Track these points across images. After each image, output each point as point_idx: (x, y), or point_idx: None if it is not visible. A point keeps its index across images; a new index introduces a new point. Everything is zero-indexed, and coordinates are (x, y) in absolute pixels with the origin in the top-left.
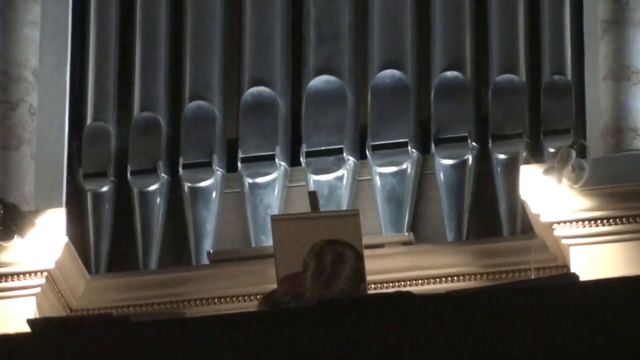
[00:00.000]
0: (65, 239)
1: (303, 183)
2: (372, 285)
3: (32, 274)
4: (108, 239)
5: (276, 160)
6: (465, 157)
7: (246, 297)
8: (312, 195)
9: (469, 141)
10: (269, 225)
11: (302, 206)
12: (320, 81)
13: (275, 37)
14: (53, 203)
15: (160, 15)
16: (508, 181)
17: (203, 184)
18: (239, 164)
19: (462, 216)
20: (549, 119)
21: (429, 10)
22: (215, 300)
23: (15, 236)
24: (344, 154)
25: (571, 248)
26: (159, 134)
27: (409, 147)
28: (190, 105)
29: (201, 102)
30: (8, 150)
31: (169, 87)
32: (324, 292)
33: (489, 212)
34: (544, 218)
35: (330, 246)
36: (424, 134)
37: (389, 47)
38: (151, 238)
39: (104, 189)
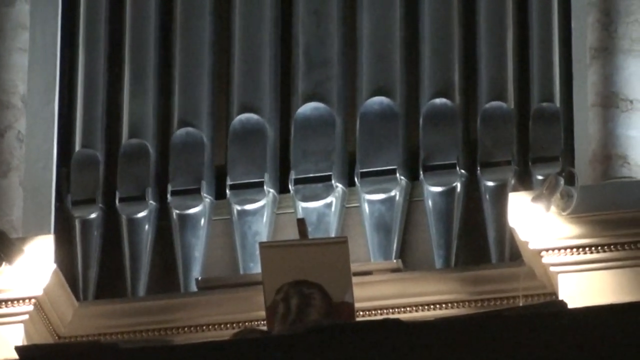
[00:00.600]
0: (54, 266)
1: (292, 210)
2: (361, 313)
3: (20, 301)
4: (96, 265)
5: (265, 187)
6: (454, 184)
7: (234, 325)
8: (301, 223)
9: (458, 168)
10: (258, 252)
11: (291, 233)
12: (308, 108)
13: (264, 63)
14: (41, 230)
15: (149, 41)
16: (496, 208)
17: (191, 211)
18: (228, 191)
19: (451, 243)
20: (538, 147)
21: (417, 37)
22: (204, 327)
23: (3, 263)
24: (333, 181)
25: (559, 275)
26: (147, 161)
27: (398, 174)
28: (179, 132)
29: (190, 129)
30: None
31: (157, 114)
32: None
33: (478, 239)
34: (533, 245)
35: (296, 288)
36: (413, 161)
37: (377, 74)
38: (139, 265)
39: (93, 215)
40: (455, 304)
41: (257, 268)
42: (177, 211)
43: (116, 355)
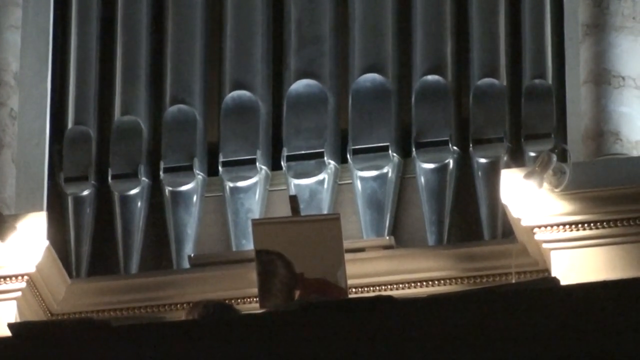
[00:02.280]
0: (46, 243)
1: (284, 187)
2: (353, 289)
3: (13, 278)
4: (89, 243)
5: (257, 164)
6: (446, 161)
7: (227, 301)
8: (293, 199)
9: (450, 145)
10: (250, 229)
11: (283, 210)
12: (301, 85)
13: (256, 40)
14: (34, 207)
15: (141, 19)
16: (489, 185)
17: (184, 187)
18: (220, 168)
19: (443, 220)
20: (530, 123)
21: (410, 14)
22: None
23: None
24: (325, 158)
25: (552, 252)
26: (139, 138)
27: (390, 151)
28: (171, 109)
29: (182, 106)
30: None
31: (149, 91)
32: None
33: (470, 216)
34: (525, 222)
35: (259, 257)
36: (405, 138)
37: (370, 51)
38: (132, 242)
39: (85, 193)
40: (448, 281)
41: (249, 245)
42: (170, 188)
43: (108, 332)
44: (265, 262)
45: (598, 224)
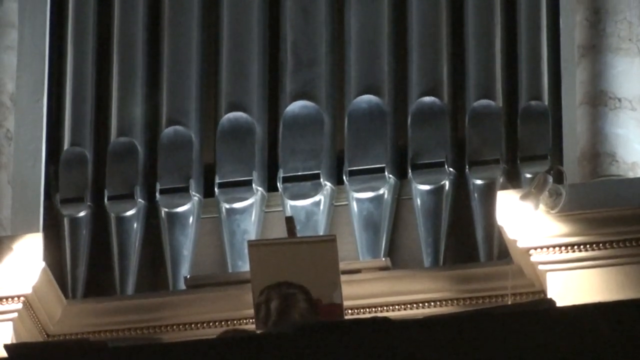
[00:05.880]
0: (42, 264)
1: (280, 208)
2: (349, 311)
3: (9, 299)
4: (85, 264)
5: (253, 185)
6: (442, 182)
7: (223, 323)
8: (289, 221)
9: (446, 167)
10: (246, 250)
11: (279, 231)
12: (297, 106)
13: (252, 62)
14: (30, 228)
15: (138, 39)
16: (485, 207)
17: (180, 209)
18: (216, 189)
19: (439, 242)
20: (526, 145)
21: (406, 35)
22: (192, 325)
23: None
24: (321, 180)
25: (548, 274)
26: (136, 159)
27: (386, 173)
28: (167, 131)
29: (178, 128)
30: None
31: (146, 112)
32: None
33: (466, 238)
34: (521, 244)
35: (277, 290)
36: (401, 159)
37: (366, 72)
38: (128, 263)
39: (81, 214)
40: (444, 302)
41: (245, 266)
42: (166, 209)
43: (105, 353)
44: (287, 295)
45: (594, 245)
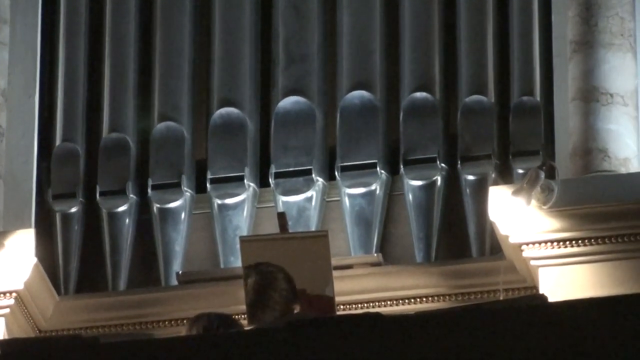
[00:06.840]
0: (34, 259)
1: (272, 204)
2: (341, 306)
3: (1, 295)
4: (77, 259)
5: (245, 181)
6: (434, 178)
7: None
8: (281, 216)
9: (438, 162)
10: (238, 246)
11: (271, 227)
12: (289, 102)
13: (244, 58)
14: (22, 224)
15: (129, 36)
16: (477, 202)
17: (172, 205)
18: (208, 185)
19: (431, 237)
20: (518, 140)
21: (398, 31)
22: (184, 321)
23: None
24: (313, 175)
25: (540, 269)
26: (127, 155)
27: (378, 168)
28: (159, 126)
29: (170, 123)
30: None
31: (137, 108)
32: (252, 322)
33: (458, 233)
34: (513, 239)
35: (256, 268)
36: (393, 155)
37: (357, 68)
38: (120, 259)
39: (73, 209)
40: (436, 298)
41: (237, 262)
42: (158, 205)
43: (97, 349)
44: (265, 272)
45: (586, 241)
